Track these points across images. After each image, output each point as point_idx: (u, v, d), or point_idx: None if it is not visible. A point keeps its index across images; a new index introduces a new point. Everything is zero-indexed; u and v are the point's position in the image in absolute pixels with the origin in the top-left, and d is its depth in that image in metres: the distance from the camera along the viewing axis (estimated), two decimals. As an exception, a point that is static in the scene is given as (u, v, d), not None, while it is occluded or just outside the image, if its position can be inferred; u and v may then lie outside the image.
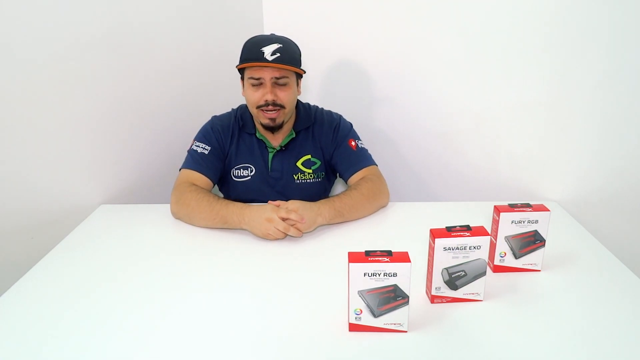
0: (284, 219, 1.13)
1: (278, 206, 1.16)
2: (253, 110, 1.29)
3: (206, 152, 1.32)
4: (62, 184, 1.33)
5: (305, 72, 1.31)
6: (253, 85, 1.24)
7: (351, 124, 1.44)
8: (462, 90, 1.50)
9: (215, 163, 1.34)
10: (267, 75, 1.22)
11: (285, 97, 1.25)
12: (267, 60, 1.19)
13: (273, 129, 1.30)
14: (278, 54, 1.21)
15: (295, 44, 1.30)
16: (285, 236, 1.15)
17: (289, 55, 1.23)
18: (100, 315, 0.88)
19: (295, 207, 1.15)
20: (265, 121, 1.27)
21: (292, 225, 1.13)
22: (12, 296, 0.94)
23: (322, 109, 1.45)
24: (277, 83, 1.23)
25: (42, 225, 1.31)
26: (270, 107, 1.24)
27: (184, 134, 1.55)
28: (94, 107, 1.34)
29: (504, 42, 1.38)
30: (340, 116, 1.44)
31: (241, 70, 1.28)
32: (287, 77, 1.24)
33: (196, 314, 0.88)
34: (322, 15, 1.63)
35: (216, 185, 1.42)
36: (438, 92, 1.55)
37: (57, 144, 1.30)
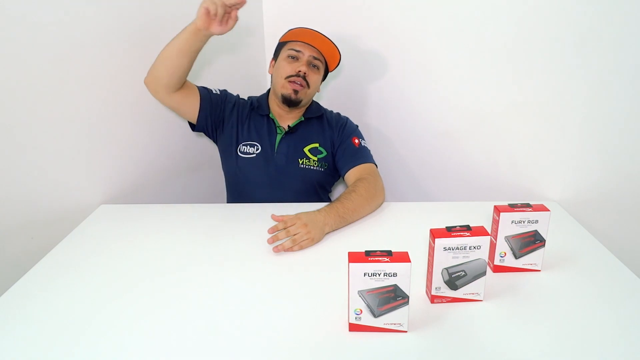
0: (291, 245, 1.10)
1: (281, 220, 1.14)
2: (279, 81, 1.36)
3: (215, 91, 1.41)
4: (62, 184, 1.33)
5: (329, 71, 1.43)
6: (290, 56, 1.34)
7: (357, 125, 1.49)
8: (462, 89, 1.50)
9: (213, 103, 1.39)
10: (307, 52, 1.33)
11: (313, 78, 1.35)
12: (317, 32, 1.31)
13: (290, 103, 1.35)
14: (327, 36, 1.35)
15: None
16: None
17: (335, 44, 1.35)
18: (100, 315, 0.88)
19: (303, 222, 1.11)
20: (289, 91, 1.33)
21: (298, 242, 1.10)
22: (12, 296, 0.94)
23: (332, 110, 1.51)
24: (311, 63, 1.34)
25: (42, 225, 1.31)
26: (299, 79, 1.32)
27: (184, 134, 1.55)
28: (94, 107, 1.34)
29: (503, 42, 1.38)
30: (348, 117, 1.50)
31: (279, 48, 1.39)
32: (320, 62, 1.35)
33: (196, 313, 0.88)
34: (321, 16, 1.63)
35: (220, 161, 1.48)
36: (438, 92, 1.55)
37: (57, 144, 1.29)
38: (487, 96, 1.46)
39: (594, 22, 1.25)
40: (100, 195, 1.41)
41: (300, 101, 1.35)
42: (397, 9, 1.51)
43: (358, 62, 1.65)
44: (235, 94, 1.49)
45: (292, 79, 1.32)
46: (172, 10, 1.49)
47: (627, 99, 1.28)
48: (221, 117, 1.41)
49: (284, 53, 1.35)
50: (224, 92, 1.45)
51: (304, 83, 1.32)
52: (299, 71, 1.31)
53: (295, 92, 1.33)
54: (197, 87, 1.38)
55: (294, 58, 1.33)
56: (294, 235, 1.10)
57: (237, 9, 1.19)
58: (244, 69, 1.63)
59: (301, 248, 1.10)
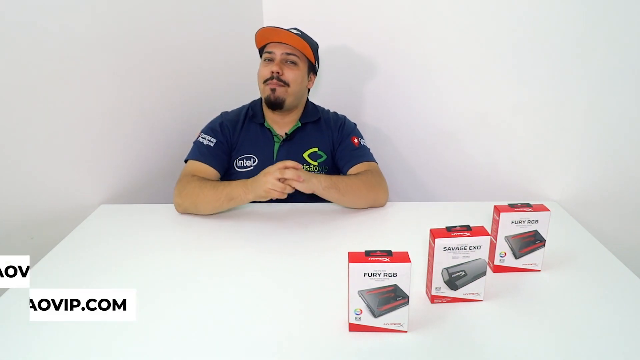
0: (281, 180, 1.14)
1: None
2: (261, 86, 1.35)
3: (212, 144, 1.34)
4: (62, 184, 1.33)
5: (316, 65, 1.38)
6: (265, 60, 1.33)
7: (355, 124, 1.47)
8: (463, 90, 1.50)
9: (221, 155, 1.35)
10: (279, 51, 1.31)
11: (290, 74, 1.31)
12: (282, 28, 1.27)
13: (273, 105, 1.32)
14: (295, 32, 1.30)
15: (315, 41, 1.39)
16: (286, 190, 1.14)
17: (305, 38, 1.31)
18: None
19: (292, 164, 1.15)
20: (267, 93, 1.32)
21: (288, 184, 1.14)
22: (12, 296, 0.94)
23: (328, 110, 1.50)
24: (286, 60, 1.31)
25: (42, 225, 1.31)
26: (274, 81, 1.30)
27: (185, 134, 1.55)
28: (94, 107, 1.34)
29: (504, 42, 1.38)
30: (345, 116, 1.48)
31: (260, 54, 1.37)
32: (296, 56, 1.31)
33: (196, 314, 0.88)
34: (322, 15, 1.63)
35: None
36: (438, 92, 1.55)
37: (58, 144, 1.30)
38: (488, 96, 1.46)
39: (593, 23, 1.25)
40: (100, 195, 1.41)
41: (284, 101, 1.32)
42: (398, 8, 1.51)
43: (358, 62, 1.65)
44: (221, 110, 1.45)
45: (268, 82, 1.31)
46: (173, 11, 1.49)
47: (628, 99, 1.28)
48: (229, 152, 1.39)
49: (262, 58, 1.35)
50: (215, 136, 1.35)
51: (279, 83, 1.30)
52: (272, 72, 1.30)
53: (273, 90, 1.30)
54: (210, 167, 1.32)
55: (269, 60, 1.32)
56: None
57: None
58: (243, 69, 1.63)
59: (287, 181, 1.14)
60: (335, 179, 1.24)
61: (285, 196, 1.15)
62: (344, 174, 1.39)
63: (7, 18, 1.15)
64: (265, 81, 1.32)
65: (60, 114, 1.28)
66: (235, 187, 1.20)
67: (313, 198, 1.44)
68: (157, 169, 1.57)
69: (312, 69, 1.39)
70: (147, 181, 1.54)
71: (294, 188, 1.16)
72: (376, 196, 1.31)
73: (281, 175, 1.13)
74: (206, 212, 1.25)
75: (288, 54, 1.30)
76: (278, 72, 1.29)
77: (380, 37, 1.58)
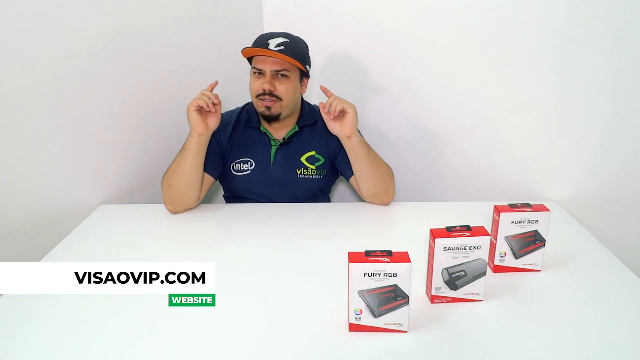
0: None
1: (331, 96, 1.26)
2: (254, 100, 1.33)
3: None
4: (62, 184, 1.33)
5: (308, 70, 1.34)
6: (255, 74, 1.30)
7: None
8: (463, 90, 1.50)
9: (213, 157, 1.35)
10: (268, 67, 1.27)
11: (283, 89, 1.28)
12: (268, 48, 1.24)
13: (269, 118, 1.31)
14: (282, 47, 1.25)
15: (304, 42, 1.35)
16: (203, 97, 1.20)
17: (293, 50, 1.27)
18: (100, 315, 0.88)
19: (348, 105, 1.23)
20: (261, 109, 1.31)
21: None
22: (13, 296, 0.94)
23: None
24: (277, 75, 1.28)
25: (42, 225, 1.31)
26: (266, 97, 1.28)
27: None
28: (94, 108, 1.34)
29: (504, 42, 1.38)
30: None
31: (249, 62, 1.34)
32: (287, 70, 1.28)
33: (195, 313, 0.88)
34: (322, 16, 1.63)
35: (217, 180, 1.43)
36: (438, 92, 1.55)
37: (58, 144, 1.30)
38: (488, 96, 1.46)
39: (594, 23, 1.25)
40: (100, 195, 1.41)
41: (279, 114, 1.30)
42: (399, 9, 1.51)
43: (359, 63, 1.65)
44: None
45: (260, 97, 1.29)
46: (173, 14, 1.49)
47: (627, 99, 1.28)
48: (222, 155, 1.38)
49: (251, 69, 1.31)
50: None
51: (272, 98, 1.27)
52: (264, 89, 1.26)
53: (268, 108, 1.29)
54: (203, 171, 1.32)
55: (259, 74, 1.29)
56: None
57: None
58: (243, 71, 1.63)
59: (341, 104, 1.22)
60: (369, 145, 1.31)
61: (207, 104, 1.21)
62: (347, 179, 1.39)
63: (7, 19, 1.15)
64: (257, 96, 1.29)
65: (60, 115, 1.28)
66: (188, 137, 1.25)
67: (313, 198, 1.44)
68: (157, 169, 1.56)
69: (304, 74, 1.35)
70: (147, 181, 1.54)
71: (210, 103, 1.21)
72: (388, 187, 1.32)
73: (202, 95, 1.22)
74: (179, 184, 1.25)
75: (277, 70, 1.27)
76: (270, 90, 1.27)
77: (381, 38, 1.58)
